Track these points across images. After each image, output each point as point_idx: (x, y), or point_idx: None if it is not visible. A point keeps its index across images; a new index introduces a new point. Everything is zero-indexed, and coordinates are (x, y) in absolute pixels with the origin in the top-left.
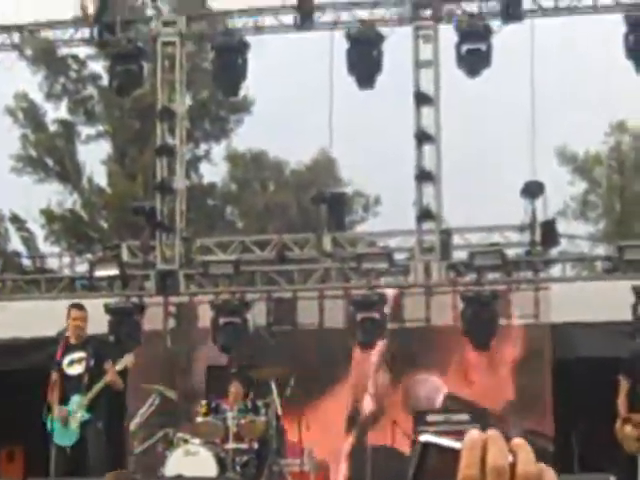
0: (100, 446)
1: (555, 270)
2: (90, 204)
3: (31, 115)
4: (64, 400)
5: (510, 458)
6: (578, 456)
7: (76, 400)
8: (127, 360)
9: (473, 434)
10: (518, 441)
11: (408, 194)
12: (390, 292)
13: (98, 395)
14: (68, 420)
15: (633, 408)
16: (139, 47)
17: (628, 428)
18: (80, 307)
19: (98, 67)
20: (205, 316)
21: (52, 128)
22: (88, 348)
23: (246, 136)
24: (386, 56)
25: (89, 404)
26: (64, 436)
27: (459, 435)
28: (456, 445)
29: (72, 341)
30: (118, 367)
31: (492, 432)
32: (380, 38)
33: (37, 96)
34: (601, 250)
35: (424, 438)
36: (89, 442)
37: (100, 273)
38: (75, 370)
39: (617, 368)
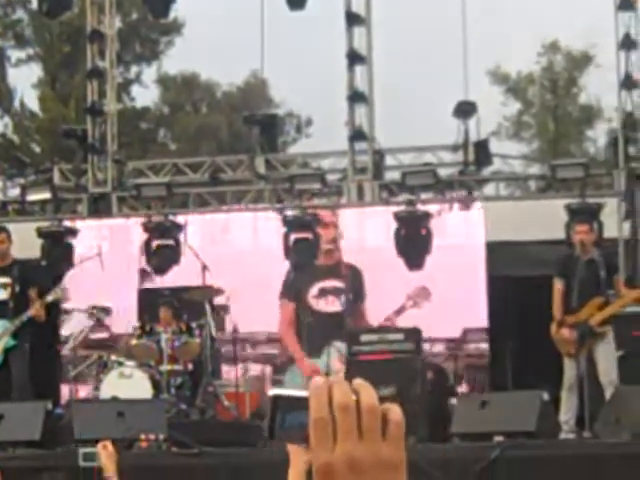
0: (24, 370)
1: (489, 189)
2: (22, 128)
3: None
4: None
5: (354, 397)
6: (512, 373)
7: (1, 324)
8: (58, 292)
9: (317, 380)
10: (359, 381)
11: (340, 115)
12: (323, 213)
13: (23, 324)
14: None
15: (568, 309)
16: None
17: (563, 331)
18: (1, 229)
19: None
20: (138, 238)
21: None
22: (13, 273)
23: (177, 58)
24: None
25: (15, 331)
26: None
27: (391, 354)
28: (303, 393)
29: None
30: (49, 298)
31: (335, 378)
32: None
33: None
34: (535, 170)
35: (273, 392)
36: (13, 366)
37: (32, 197)
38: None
39: (550, 286)
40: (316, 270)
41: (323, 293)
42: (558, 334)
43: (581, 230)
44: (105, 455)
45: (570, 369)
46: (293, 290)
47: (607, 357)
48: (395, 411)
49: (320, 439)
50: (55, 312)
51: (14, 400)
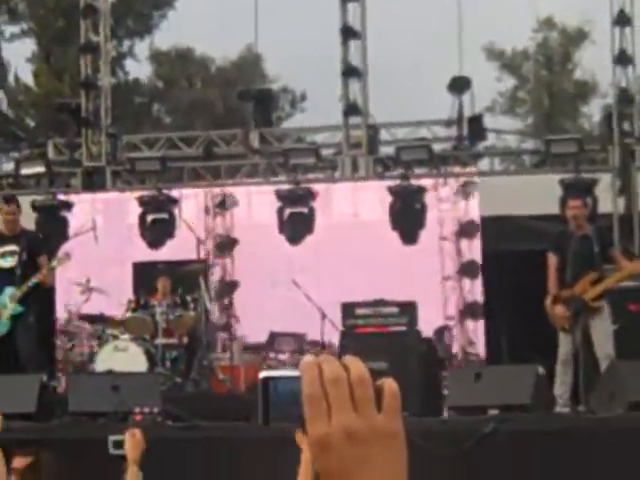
0: (31, 340)
1: (483, 164)
2: (17, 102)
3: None
4: None
5: (344, 372)
6: (507, 348)
7: (8, 292)
8: (63, 259)
9: (306, 359)
10: (348, 357)
11: (334, 90)
12: (318, 187)
13: (30, 291)
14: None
15: (562, 284)
16: None
17: (557, 306)
18: (12, 200)
19: None
20: (133, 212)
21: None
22: (21, 241)
23: (171, 32)
24: None
25: (22, 298)
26: None
27: (387, 327)
28: (294, 373)
29: (5, 233)
30: (53, 264)
31: (324, 355)
32: None
33: None
34: (530, 145)
35: (263, 374)
36: (19, 335)
37: (26, 171)
38: (7, 263)
39: (545, 260)
40: None
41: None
42: (552, 309)
43: (574, 205)
44: (131, 443)
45: (565, 344)
46: None
47: (603, 331)
48: (390, 383)
49: (315, 414)
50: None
51: (21, 370)
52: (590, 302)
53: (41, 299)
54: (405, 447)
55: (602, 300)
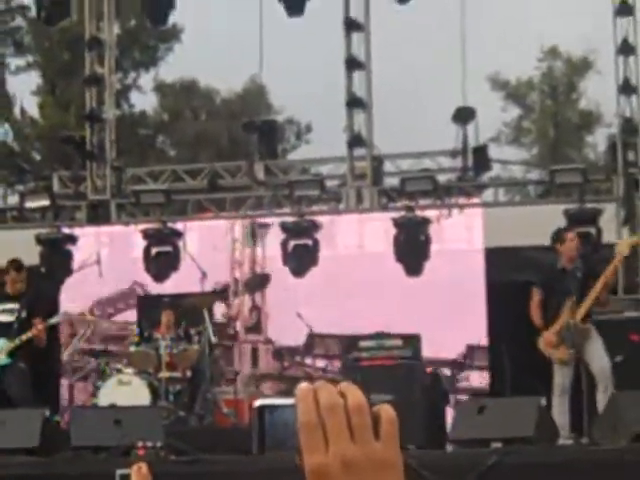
0: (24, 386)
1: (488, 195)
2: (22, 135)
3: None
4: None
5: (341, 400)
6: (510, 379)
7: (0, 343)
8: (60, 317)
9: (302, 386)
10: (345, 383)
11: (339, 121)
12: (323, 219)
13: (23, 345)
14: None
15: (545, 320)
16: None
17: (549, 337)
18: (21, 268)
19: None
20: (137, 246)
21: None
22: (22, 301)
23: (176, 65)
24: None
25: (12, 350)
26: None
27: (391, 360)
28: (289, 401)
29: (8, 291)
30: (51, 321)
31: (320, 382)
32: None
33: None
34: (535, 175)
35: (258, 403)
36: (10, 384)
37: (31, 204)
38: (6, 318)
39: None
40: None
41: None
42: (546, 350)
43: (573, 237)
44: (138, 477)
45: (560, 375)
46: None
47: (595, 348)
48: (387, 410)
49: (311, 443)
50: (55, 334)
51: None
52: (579, 324)
53: (35, 353)
54: (402, 476)
55: (588, 322)
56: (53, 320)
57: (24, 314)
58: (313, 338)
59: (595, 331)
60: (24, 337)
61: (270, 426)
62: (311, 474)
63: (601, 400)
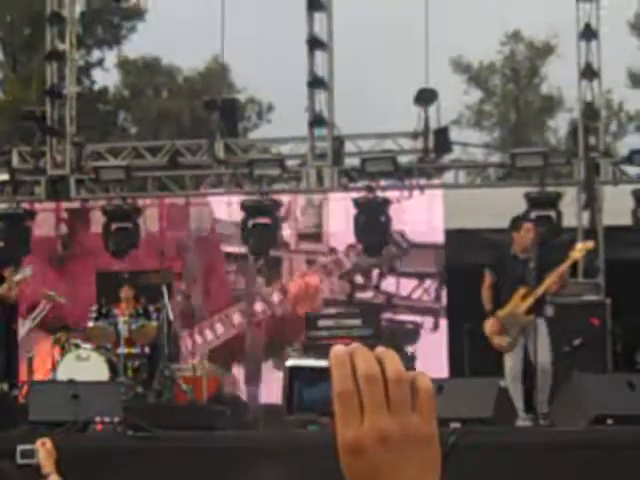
0: None
1: (448, 177)
2: None
3: None
4: None
5: (379, 368)
6: (468, 361)
7: None
8: (26, 272)
9: (337, 349)
10: (382, 349)
11: (301, 101)
12: (284, 198)
13: None
14: None
15: (496, 303)
16: None
17: (496, 337)
18: None
19: None
20: (97, 222)
21: None
22: None
23: (140, 43)
24: None
25: None
26: None
27: (349, 339)
28: (322, 363)
29: None
30: (17, 278)
31: (355, 345)
32: None
33: None
34: (496, 158)
35: (290, 363)
36: None
37: None
38: None
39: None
40: None
41: None
42: (491, 337)
43: (529, 228)
44: (43, 452)
45: (509, 361)
46: None
47: (540, 343)
48: (425, 381)
49: (346, 413)
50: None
51: None
52: (521, 317)
53: (2, 311)
54: (439, 451)
55: (533, 314)
56: (19, 276)
57: None
58: None
59: (543, 325)
60: None
61: (299, 390)
62: (345, 447)
63: (537, 395)
